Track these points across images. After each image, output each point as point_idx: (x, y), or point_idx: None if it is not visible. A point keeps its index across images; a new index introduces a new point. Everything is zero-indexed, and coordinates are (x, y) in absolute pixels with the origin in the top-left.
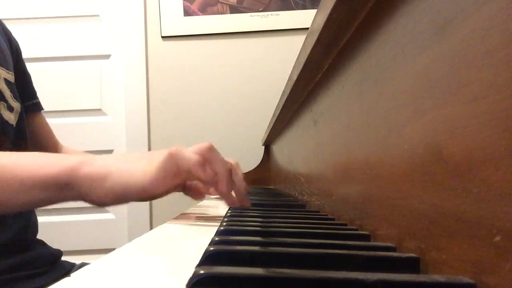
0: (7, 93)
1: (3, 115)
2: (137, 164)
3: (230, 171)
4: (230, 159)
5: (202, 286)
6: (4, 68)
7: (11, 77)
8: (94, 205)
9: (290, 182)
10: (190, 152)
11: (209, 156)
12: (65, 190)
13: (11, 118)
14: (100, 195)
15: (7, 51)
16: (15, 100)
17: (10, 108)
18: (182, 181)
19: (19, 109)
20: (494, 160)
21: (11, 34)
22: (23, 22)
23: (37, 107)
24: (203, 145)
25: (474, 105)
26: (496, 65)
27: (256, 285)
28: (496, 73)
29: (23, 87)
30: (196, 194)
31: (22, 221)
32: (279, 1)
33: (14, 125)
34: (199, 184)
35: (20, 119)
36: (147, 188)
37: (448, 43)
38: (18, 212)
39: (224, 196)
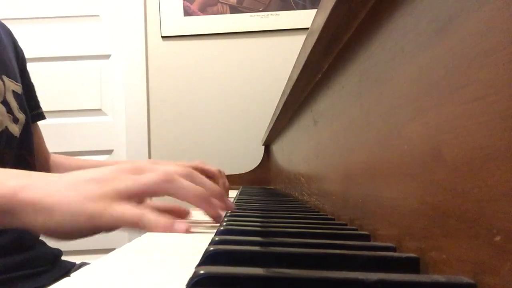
0: (14, 105)
1: (8, 127)
2: (84, 194)
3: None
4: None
5: (202, 286)
6: (12, 80)
7: (19, 88)
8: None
9: (290, 182)
10: (144, 175)
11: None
12: (6, 216)
13: (15, 130)
14: (43, 230)
15: (14, 62)
16: (20, 111)
17: (16, 120)
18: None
19: (23, 121)
20: (494, 160)
21: (17, 43)
22: (23, 22)
23: (41, 117)
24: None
25: (474, 105)
26: (496, 65)
27: (256, 285)
28: (496, 73)
29: (28, 97)
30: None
31: None
32: (279, 1)
33: (18, 137)
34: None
35: (24, 131)
36: (92, 232)
37: (448, 43)
38: None
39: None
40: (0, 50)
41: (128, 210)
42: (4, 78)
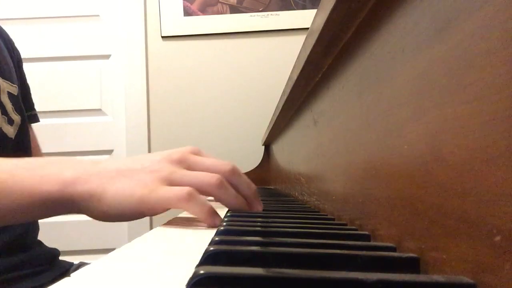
0: (9, 107)
1: (2, 129)
2: (134, 183)
3: (256, 192)
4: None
5: (202, 286)
6: (8, 81)
7: (14, 89)
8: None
9: (290, 182)
10: (196, 173)
11: (233, 179)
12: (61, 207)
13: (10, 131)
14: (94, 215)
15: (10, 63)
16: (16, 113)
17: (11, 121)
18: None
19: (19, 122)
20: (494, 160)
21: (14, 44)
22: (23, 22)
23: (35, 118)
24: (225, 166)
25: (474, 105)
26: (496, 65)
27: (256, 285)
28: (496, 73)
29: (22, 98)
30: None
31: (25, 224)
32: (279, 1)
33: (13, 138)
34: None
35: (19, 132)
36: (146, 215)
37: (448, 43)
38: None
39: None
40: None
41: (175, 189)
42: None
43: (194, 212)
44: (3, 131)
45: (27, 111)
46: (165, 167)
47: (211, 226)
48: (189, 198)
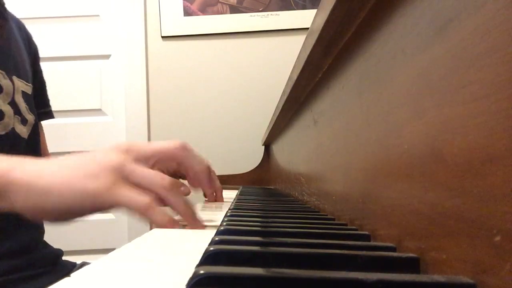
0: (23, 106)
1: (16, 129)
2: (84, 172)
3: (209, 168)
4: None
5: (202, 286)
6: (23, 81)
7: (29, 89)
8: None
9: (290, 182)
10: (149, 171)
11: (184, 155)
12: None
13: (23, 131)
14: (35, 211)
15: (27, 61)
16: (30, 112)
17: (24, 121)
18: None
19: (32, 122)
20: (494, 160)
21: (32, 38)
22: (23, 21)
23: (49, 115)
24: (172, 145)
25: (474, 105)
26: (496, 65)
27: (256, 285)
28: (496, 73)
29: (38, 95)
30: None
31: (32, 230)
32: (279, 1)
33: (26, 138)
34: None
35: (32, 131)
36: (98, 211)
37: (448, 43)
38: (30, 221)
39: (209, 196)
40: (13, 49)
41: (136, 195)
42: (14, 79)
43: (153, 221)
44: (16, 131)
45: (42, 107)
46: (114, 157)
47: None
48: (147, 208)
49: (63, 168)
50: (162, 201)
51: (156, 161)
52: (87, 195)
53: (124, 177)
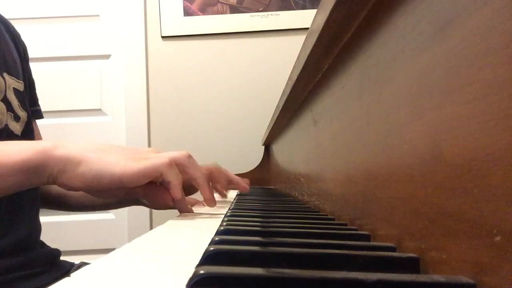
0: (15, 103)
1: (9, 125)
2: (116, 156)
3: (208, 176)
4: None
5: (202, 286)
6: (14, 78)
7: (20, 86)
8: (65, 188)
9: (290, 182)
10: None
11: (188, 165)
12: (38, 172)
13: (16, 128)
14: (71, 179)
15: (17, 58)
16: (22, 109)
17: (17, 118)
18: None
19: (25, 118)
20: (494, 160)
21: (20, 37)
22: (22, 22)
23: (38, 114)
24: (180, 155)
25: (474, 105)
26: (496, 65)
27: (256, 285)
28: (496, 73)
29: (27, 93)
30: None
31: (28, 226)
32: (279, 1)
33: (20, 135)
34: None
35: (25, 129)
36: (124, 182)
37: (448, 43)
38: (24, 217)
39: (207, 201)
40: (2, 47)
41: (157, 158)
42: (5, 75)
43: (170, 177)
44: (9, 128)
45: (32, 106)
46: (140, 153)
47: (177, 198)
48: (169, 164)
49: (96, 148)
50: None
51: None
52: (118, 166)
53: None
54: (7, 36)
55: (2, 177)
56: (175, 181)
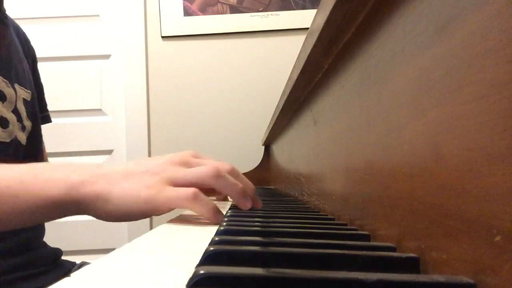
0: (23, 114)
1: (17, 136)
2: (140, 185)
3: (243, 190)
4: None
5: (202, 286)
6: (23, 88)
7: (28, 95)
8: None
9: (290, 182)
10: (194, 168)
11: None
12: (67, 209)
13: (23, 138)
14: (102, 216)
15: (26, 66)
16: (28, 119)
17: (23, 128)
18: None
19: (30, 128)
20: (494, 160)
21: (29, 42)
22: (22, 22)
23: (47, 119)
24: (225, 169)
25: (474, 105)
26: (496, 65)
27: (256, 285)
28: (496, 73)
29: (37, 99)
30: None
31: (32, 229)
32: (279, 1)
33: (25, 144)
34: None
35: (30, 138)
36: (152, 214)
37: (448, 43)
38: None
39: (238, 200)
40: (13, 55)
41: (181, 190)
42: (16, 86)
43: (199, 211)
44: (17, 139)
45: (41, 112)
46: (167, 169)
47: (215, 224)
48: (194, 198)
49: (126, 179)
50: (213, 191)
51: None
52: (142, 201)
53: (174, 183)
54: (18, 43)
55: (28, 212)
56: (206, 213)
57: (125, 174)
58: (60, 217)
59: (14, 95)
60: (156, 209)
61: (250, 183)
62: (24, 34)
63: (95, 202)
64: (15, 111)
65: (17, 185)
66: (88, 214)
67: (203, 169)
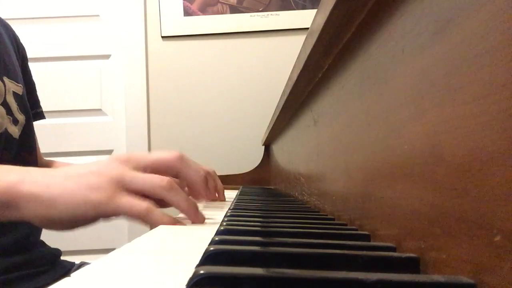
0: (14, 107)
1: (8, 129)
2: (84, 186)
3: (205, 178)
4: (205, 166)
5: (202, 286)
6: (13, 81)
7: (19, 89)
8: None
9: (290, 182)
10: (147, 175)
11: (180, 166)
12: (8, 209)
13: (15, 131)
14: (43, 223)
15: (16, 62)
16: (20, 113)
17: (15, 121)
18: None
19: (23, 122)
20: (494, 160)
21: (19, 40)
22: (22, 22)
23: (40, 116)
24: (170, 155)
25: (474, 105)
26: (496, 65)
27: (256, 285)
28: (496, 73)
29: (28, 96)
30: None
31: (28, 225)
32: (279, 1)
33: (18, 138)
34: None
35: (24, 131)
36: (101, 220)
37: (448, 43)
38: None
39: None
40: (2, 50)
41: (135, 202)
42: (5, 79)
43: (153, 225)
44: (8, 132)
45: (33, 108)
46: (114, 168)
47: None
48: (146, 213)
49: (68, 180)
50: (164, 203)
51: (153, 171)
52: (90, 206)
53: (125, 186)
54: (6, 39)
55: None
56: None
57: (70, 174)
58: (4, 220)
59: (3, 88)
60: (105, 216)
61: (220, 185)
62: (13, 32)
63: (33, 204)
64: (4, 104)
65: None
66: (30, 220)
67: (155, 179)
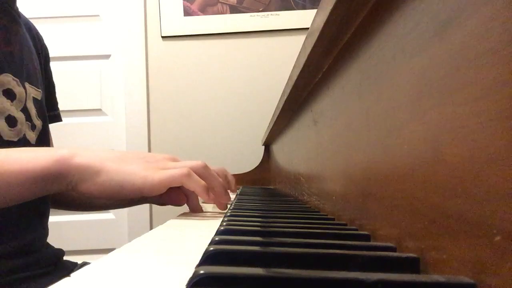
0: (33, 112)
1: (26, 135)
2: (136, 166)
3: (224, 185)
4: (216, 166)
5: (202, 286)
6: (34, 87)
7: (39, 94)
8: (83, 196)
9: (290, 182)
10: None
11: (207, 174)
12: (56, 181)
13: (32, 137)
14: (90, 188)
15: (37, 65)
16: (38, 118)
17: (33, 127)
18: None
19: (40, 127)
20: (494, 160)
21: (43, 40)
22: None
23: (57, 118)
24: (198, 164)
25: (474, 105)
26: (496, 65)
27: (256, 285)
28: (496, 73)
29: (47, 97)
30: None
31: (35, 232)
32: (279, 1)
33: (34, 143)
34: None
35: (40, 137)
36: (145, 192)
37: (448, 43)
38: (32, 223)
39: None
40: (25, 54)
41: (177, 169)
42: (27, 85)
43: (193, 187)
44: (26, 138)
45: (51, 110)
46: (160, 161)
47: (207, 201)
48: (189, 174)
49: (118, 157)
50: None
51: None
52: (139, 177)
53: (165, 168)
54: (30, 41)
55: (18, 186)
56: (198, 188)
57: (118, 156)
58: (49, 191)
59: (24, 94)
60: (151, 188)
61: (219, 179)
62: (37, 32)
63: (85, 172)
64: (24, 110)
65: (5, 161)
66: (76, 189)
67: (197, 163)
